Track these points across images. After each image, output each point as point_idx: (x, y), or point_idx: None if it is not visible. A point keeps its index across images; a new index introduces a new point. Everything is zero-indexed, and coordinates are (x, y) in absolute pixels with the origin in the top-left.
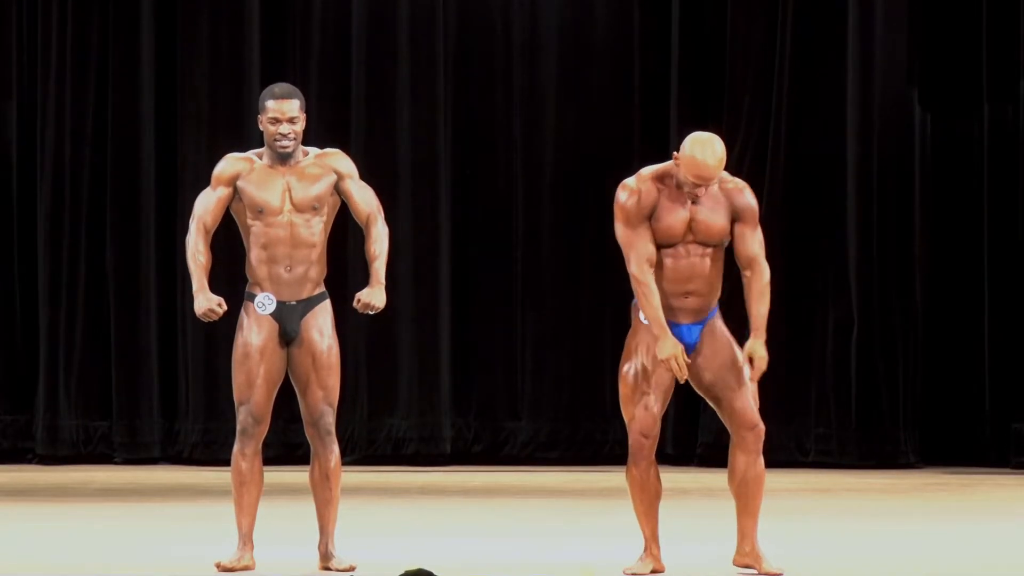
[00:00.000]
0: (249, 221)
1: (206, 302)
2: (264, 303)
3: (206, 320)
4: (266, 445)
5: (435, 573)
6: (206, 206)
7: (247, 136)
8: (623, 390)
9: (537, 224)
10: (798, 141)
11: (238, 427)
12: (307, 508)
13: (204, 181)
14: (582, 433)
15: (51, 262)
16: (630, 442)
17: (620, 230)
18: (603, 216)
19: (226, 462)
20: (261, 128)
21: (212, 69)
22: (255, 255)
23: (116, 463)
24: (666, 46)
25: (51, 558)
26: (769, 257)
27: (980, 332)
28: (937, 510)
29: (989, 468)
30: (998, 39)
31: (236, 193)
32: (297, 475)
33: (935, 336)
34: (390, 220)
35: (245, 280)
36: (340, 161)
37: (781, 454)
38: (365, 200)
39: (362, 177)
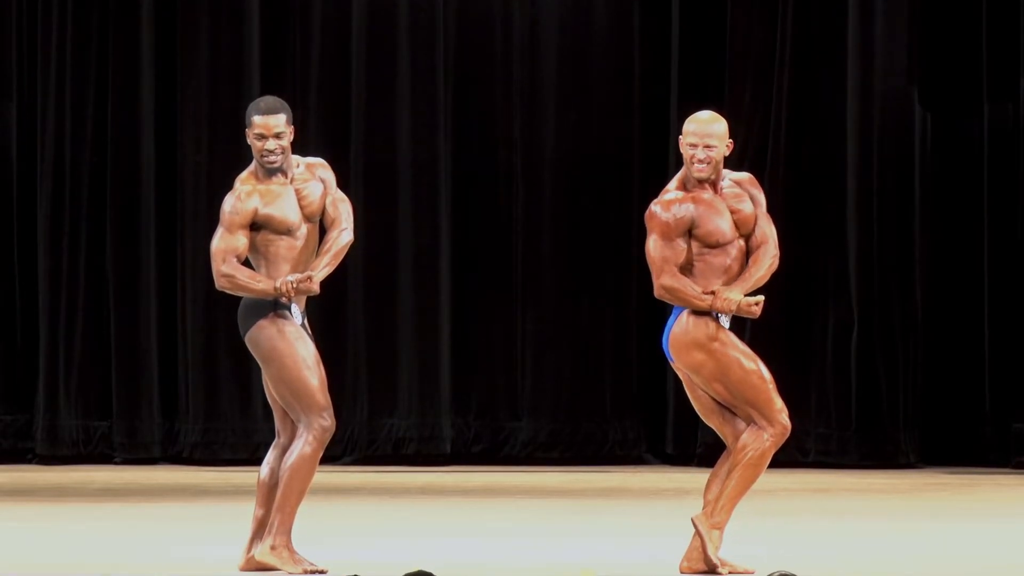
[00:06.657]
0: (273, 240)
1: (294, 277)
2: (298, 313)
3: (301, 288)
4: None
5: (435, 573)
6: (235, 254)
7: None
8: (760, 384)
9: (537, 224)
10: (798, 141)
11: (321, 433)
12: (315, 508)
13: (204, 181)
14: (582, 433)
15: (51, 262)
16: (784, 429)
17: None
18: (603, 215)
19: (226, 462)
20: (249, 142)
21: (212, 69)
22: (280, 270)
23: (116, 463)
24: (666, 46)
25: (51, 558)
26: None
27: (980, 332)
28: (937, 510)
29: (989, 468)
30: (998, 38)
31: (256, 226)
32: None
33: (935, 336)
34: (391, 220)
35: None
36: (325, 172)
37: (781, 454)
38: (340, 211)
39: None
